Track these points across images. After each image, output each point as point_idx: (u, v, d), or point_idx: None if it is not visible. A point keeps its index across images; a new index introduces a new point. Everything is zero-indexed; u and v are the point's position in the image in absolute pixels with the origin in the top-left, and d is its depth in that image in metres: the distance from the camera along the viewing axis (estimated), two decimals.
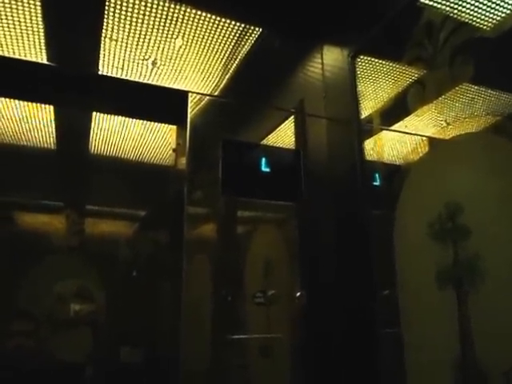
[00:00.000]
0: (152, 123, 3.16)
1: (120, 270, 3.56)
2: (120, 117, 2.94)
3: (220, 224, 3.23)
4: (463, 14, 1.73)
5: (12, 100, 2.94)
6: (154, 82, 2.71)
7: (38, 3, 2.25)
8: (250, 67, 2.76)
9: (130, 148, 3.60)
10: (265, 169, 2.21)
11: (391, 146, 2.28)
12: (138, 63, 2.53)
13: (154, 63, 2.59)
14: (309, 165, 2.41)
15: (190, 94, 2.19)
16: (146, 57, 2.48)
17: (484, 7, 1.73)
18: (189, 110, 2.18)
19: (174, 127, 2.39)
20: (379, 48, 2.21)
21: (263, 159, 2.21)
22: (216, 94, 2.96)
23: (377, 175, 2.24)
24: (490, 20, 1.78)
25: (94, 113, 3.06)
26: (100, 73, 2.61)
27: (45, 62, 2.55)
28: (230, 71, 2.78)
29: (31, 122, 3.19)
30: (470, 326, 1.50)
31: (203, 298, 2.96)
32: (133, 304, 3.30)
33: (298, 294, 2.24)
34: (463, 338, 1.51)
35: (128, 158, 3.72)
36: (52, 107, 3.01)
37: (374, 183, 2.34)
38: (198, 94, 2.44)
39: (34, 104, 2.98)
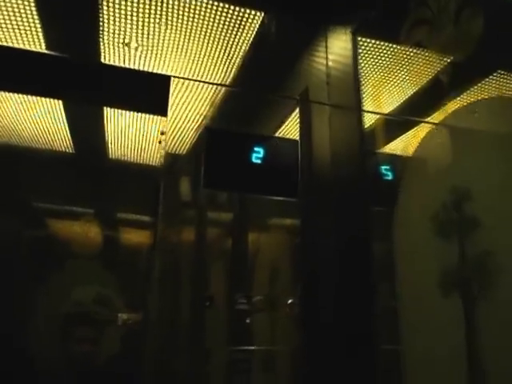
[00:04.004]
0: None
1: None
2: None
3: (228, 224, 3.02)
4: None
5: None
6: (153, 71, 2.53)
7: None
8: (253, 55, 2.56)
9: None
10: (255, 160, 1.99)
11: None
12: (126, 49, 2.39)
13: (128, 45, 2.39)
14: (311, 156, 2.17)
15: (172, 79, 2.02)
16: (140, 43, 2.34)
17: None
18: (170, 97, 2.01)
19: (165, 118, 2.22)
20: (381, 26, 1.97)
21: (253, 149, 2.00)
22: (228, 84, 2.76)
23: (384, 167, 1.97)
24: None
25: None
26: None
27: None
28: (232, 60, 2.60)
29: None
30: (478, 339, 1.20)
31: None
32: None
33: (289, 301, 1.97)
34: (470, 352, 1.22)
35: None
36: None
37: (385, 177, 2.07)
38: (181, 78, 2.27)
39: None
